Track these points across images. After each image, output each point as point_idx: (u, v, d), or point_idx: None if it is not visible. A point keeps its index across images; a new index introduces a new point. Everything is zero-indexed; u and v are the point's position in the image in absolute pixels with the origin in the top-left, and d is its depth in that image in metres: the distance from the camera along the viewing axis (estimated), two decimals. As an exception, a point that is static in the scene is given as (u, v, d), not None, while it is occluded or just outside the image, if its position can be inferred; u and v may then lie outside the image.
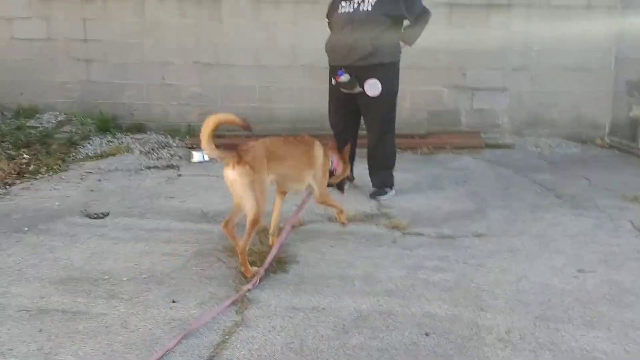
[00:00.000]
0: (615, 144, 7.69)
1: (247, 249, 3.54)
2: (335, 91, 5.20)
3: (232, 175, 3.45)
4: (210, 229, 4.40)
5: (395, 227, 4.45)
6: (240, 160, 3.42)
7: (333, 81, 5.12)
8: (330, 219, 4.64)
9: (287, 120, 8.11)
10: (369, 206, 5.03)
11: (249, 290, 3.33)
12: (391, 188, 5.37)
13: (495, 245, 4.06)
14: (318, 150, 4.07)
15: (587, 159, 7.07)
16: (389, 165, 5.38)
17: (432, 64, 7.96)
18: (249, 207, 3.49)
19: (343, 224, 4.45)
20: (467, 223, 4.56)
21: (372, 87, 5.08)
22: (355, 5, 5.00)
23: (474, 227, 4.44)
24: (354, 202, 5.14)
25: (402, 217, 4.69)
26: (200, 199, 5.25)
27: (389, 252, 3.96)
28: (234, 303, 3.18)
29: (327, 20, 5.29)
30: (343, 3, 5.06)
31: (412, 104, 8.05)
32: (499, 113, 8.10)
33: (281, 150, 3.76)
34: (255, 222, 3.50)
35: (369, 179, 5.43)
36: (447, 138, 7.77)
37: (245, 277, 3.47)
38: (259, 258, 3.76)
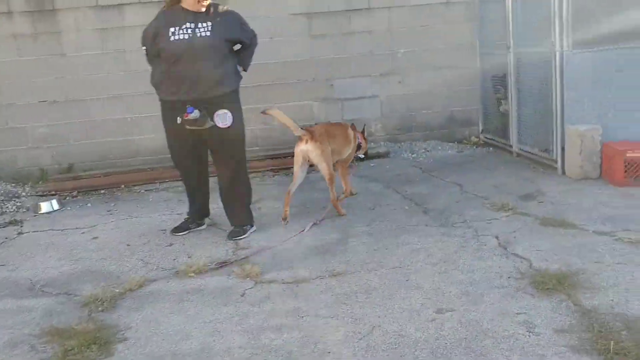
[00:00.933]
0: (489, 141, 7.59)
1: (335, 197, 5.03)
2: (178, 131, 4.64)
3: (307, 148, 4.92)
4: (33, 306, 3.77)
5: (247, 276, 3.99)
6: (313, 137, 4.89)
7: (178, 119, 4.56)
8: (178, 273, 4.12)
9: (151, 152, 7.48)
10: (225, 250, 4.55)
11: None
12: (251, 225, 4.90)
13: (352, 285, 3.68)
14: (351, 131, 5.41)
15: (462, 160, 6.91)
16: (247, 201, 4.92)
17: (298, 77, 7.59)
18: (323, 170, 4.99)
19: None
20: (326, 259, 4.16)
21: (223, 118, 4.62)
22: (190, 32, 4.48)
23: (333, 264, 4.05)
24: (209, 245, 4.66)
25: (258, 261, 4.25)
26: (34, 263, 4.60)
27: (235, 311, 3.49)
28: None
29: (144, 49, 4.70)
30: (172, 29, 4.50)
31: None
32: (371, 121, 7.82)
33: (332, 131, 5.17)
34: (331, 178, 5.03)
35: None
36: (320, 154, 7.37)
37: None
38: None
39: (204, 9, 4.55)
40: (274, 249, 4.48)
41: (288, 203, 5.03)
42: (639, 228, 4.25)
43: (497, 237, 4.28)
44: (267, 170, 7.07)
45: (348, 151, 5.34)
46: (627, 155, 5.29)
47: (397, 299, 3.44)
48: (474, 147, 7.56)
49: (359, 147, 5.56)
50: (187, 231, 4.99)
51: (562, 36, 5.69)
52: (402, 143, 7.85)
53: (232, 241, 4.74)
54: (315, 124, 5.19)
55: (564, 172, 5.86)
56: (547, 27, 5.82)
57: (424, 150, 7.53)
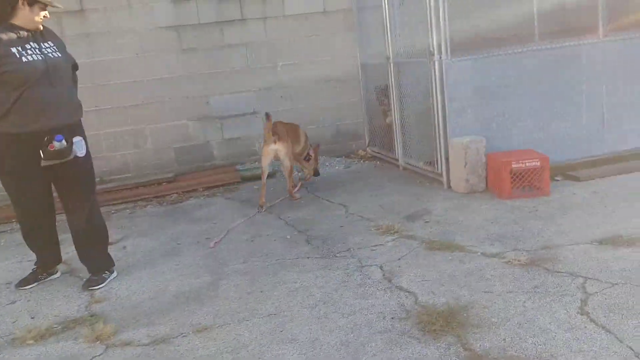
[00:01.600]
0: (376, 154, 7.31)
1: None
2: (28, 169, 3.93)
3: (277, 147, 5.68)
4: None
5: (98, 339, 3.38)
6: (281, 138, 5.67)
7: (42, 155, 3.84)
8: (14, 341, 3.45)
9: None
10: (77, 305, 3.91)
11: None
12: (110, 272, 4.27)
13: (219, 343, 3.16)
14: (301, 131, 6.25)
15: (349, 177, 6.57)
16: (104, 242, 4.29)
17: (171, 96, 7.00)
18: (286, 164, 5.78)
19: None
20: (192, 310, 3.62)
21: (80, 146, 4.05)
22: (39, 52, 3.82)
23: (199, 316, 3.52)
24: (59, 300, 4.00)
25: (114, 316, 3.64)
26: None
27: (75, 390, 2.86)
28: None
29: None
30: (16, 49, 3.79)
31: (155, 144, 7.00)
32: (255, 139, 7.33)
33: (290, 130, 5.92)
34: (290, 171, 5.85)
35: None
36: (199, 177, 6.83)
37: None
38: None
39: (41, 27, 3.90)
40: (135, 299, 3.88)
41: (264, 194, 5.76)
42: (529, 246, 4.01)
43: (381, 268, 3.91)
44: (139, 200, 6.39)
45: (298, 148, 6.09)
46: (513, 166, 5.10)
47: (268, 358, 2.96)
48: (362, 162, 7.26)
49: (308, 158, 6.35)
50: (35, 283, 4.30)
51: (440, 45, 5.46)
52: (288, 160, 7.40)
53: (87, 292, 4.09)
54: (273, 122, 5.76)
55: (450, 187, 5.62)
56: (425, 36, 5.57)
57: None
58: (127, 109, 6.86)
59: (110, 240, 4.58)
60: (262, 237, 4.84)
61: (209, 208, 5.89)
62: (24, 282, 4.28)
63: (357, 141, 7.65)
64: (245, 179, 6.85)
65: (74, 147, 3.94)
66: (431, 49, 5.52)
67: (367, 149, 7.52)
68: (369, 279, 3.78)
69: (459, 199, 5.26)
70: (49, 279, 4.36)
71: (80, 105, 4.10)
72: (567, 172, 5.68)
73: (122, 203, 6.36)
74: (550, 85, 5.72)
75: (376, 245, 4.35)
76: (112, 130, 6.90)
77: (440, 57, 5.48)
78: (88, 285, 4.14)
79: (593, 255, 3.78)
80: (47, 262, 4.34)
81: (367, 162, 7.25)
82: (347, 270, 3.96)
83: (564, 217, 4.56)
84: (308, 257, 4.28)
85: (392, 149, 6.77)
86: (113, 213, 6.07)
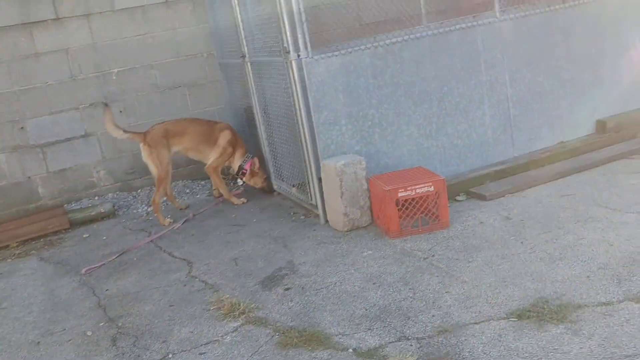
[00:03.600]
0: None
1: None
2: None
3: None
4: None
5: None
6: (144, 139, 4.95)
7: None
8: None
9: None
10: None
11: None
12: None
13: None
14: (221, 133, 5.25)
15: (209, 212, 5.14)
16: None
17: (-32, 123, 5.30)
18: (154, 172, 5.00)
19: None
20: None
21: None
22: None
23: None
24: None
25: None
26: None
27: None
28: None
29: None
30: None
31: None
32: (91, 168, 5.77)
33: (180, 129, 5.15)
34: (159, 179, 4.99)
35: None
36: (12, 229, 5.23)
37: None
38: None
39: None
40: None
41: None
42: (421, 330, 2.80)
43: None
44: None
45: (211, 156, 5.10)
46: (400, 195, 3.83)
47: None
48: (232, 184, 5.83)
49: (243, 172, 5.21)
50: None
51: (296, 39, 4.09)
52: (139, 190, 5.93)
53: None
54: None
55: (327, 221, 4.31)
56: (278, 26, 4.20)
57: (165, 198, 5.62)
58: None
59: None
60: (54, 334, 3.37)
61: (9, 279, 4.37)
62: None
63: (225, 159, 6.19)
64: (78, 223, 5.30)
65: None
66: (285, 45, 4.14)
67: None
68: None
69: (337, 243, 3.96)
70: None
71: None
72: (470, 188, 4.51)
73: None
74: (441, 80, 4.50)
75: (208, 344, 2.97)
76: None
77: (299, 55, 4.13)
78: None
79: (511, 346, 2.54)
80: None
81: (232, 182, 5.84)
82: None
83: (468, 266, 3.35)
84: (107, 372, 2.84)
85: (265, 169, 5.39)
86: None
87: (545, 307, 2.82)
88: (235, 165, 5.17)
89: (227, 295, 3.46)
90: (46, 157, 5.67)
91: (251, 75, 5.13)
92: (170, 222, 4.89)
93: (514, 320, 2.76)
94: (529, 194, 4.30)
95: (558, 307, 2.80)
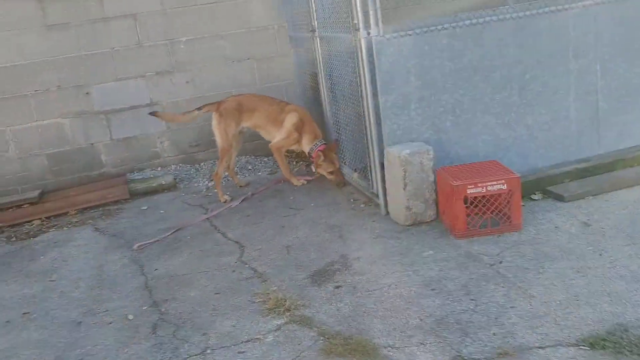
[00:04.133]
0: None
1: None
2: None
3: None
4: None
5: None
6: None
7: None
8: None
9: None
10: None
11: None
12: None
13: None
14: (288, 116, 4.91)
15: (268, 193, 4.95)
16: None
17: (36, 86, 5.33)
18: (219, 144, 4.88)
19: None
20: None
21: None
22: None
23: None
24: None
25: None
26: None
27: None
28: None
29: None
30: None
31: (20, 151, 5.40)
32: (156, 138, 5.70)
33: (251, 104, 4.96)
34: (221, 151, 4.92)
35: None
36: (73, 196, 5.23)
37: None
38: None
39: None
40: None
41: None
42: (479, 350, 2.51)
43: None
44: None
45: (277, 136, 4.84)
46: (469, 192, 3.51)
47: None
48: (295, 163, 5.64)
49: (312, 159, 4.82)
50: None
51: (367, 13, 3.79)
52: (202, 164, 5.83)
53: None
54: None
55: (388, 212, 4.04)
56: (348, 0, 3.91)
57: (226, 174, 5.51)
58: (-27, 107, 5.22)
59: None
60: (97, 314, 3.29)
61: (62, 249, 4.32)
62: None
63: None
64: (138, 194, 5.25)
65: None
66: (355, 21, 3.85)
67: (301, 146, 5.87)
68: None
69: (396, 238, 3.69)
70: None
71: None
72: (548, 186, 4.12)
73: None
74: (524, 66, 4.09)
75: (249, 342, 2.79)
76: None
77: (369, 33, 3.83)
78: None
79: (582, 383, 2.22)
80: None
81: (301, 162, 5.65)
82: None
83: (538, 278, 3.02)
84: (139, 366, 2.72)
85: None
86: None
87: (624, 336, 2.48)
88: (305, 150, 4.90)
89: (275, 288, 3.28)
90: (110, 125, 5.63)
91: (319, 51, 4.88)
92: (227, 200, 4.74)
93: (586, 349, 2.43)
94: (613, 198, 3.89)
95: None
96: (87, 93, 5.51)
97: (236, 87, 5.66)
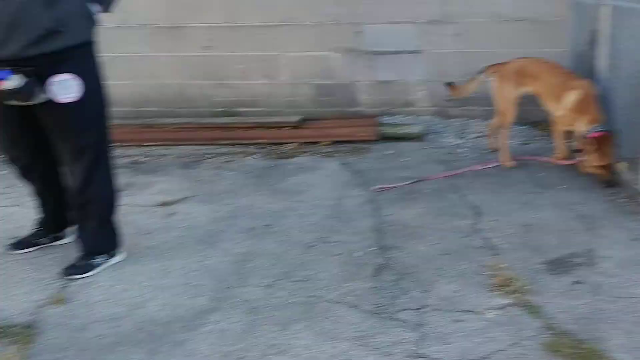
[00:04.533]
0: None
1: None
2: None
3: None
4: None
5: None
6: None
7: None
8: None
9: (127, 102, 5.97)
10: (32, 301, 2.94)
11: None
12: (110, 254, 3.25)
13: None
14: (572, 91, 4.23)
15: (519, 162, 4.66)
16: (105, 216, 3.26)
17: (315, 17, 5.64)
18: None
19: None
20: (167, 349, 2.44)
21: (64, 88, 2.94)
22: None
23: None
24: (24, 284, 3.11)
25: (51, 337, 2.62)
26: None
27: None
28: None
29: None
30: None
31: (290, 77, 5.79)
32: (413, 85, 5.70)
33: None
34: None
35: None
36: (327, 128, 5.49)
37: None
38: None
39: None
40: (92, 314, 2.81)
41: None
42: None
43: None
44: (250, 145, 5.30)
45: (555, 112, 4.36)
46: None
47: None
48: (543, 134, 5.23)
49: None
50: (33, 248, 3.47)
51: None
52: (452, 120, 5.70)
53: (64, 280, 3.12)
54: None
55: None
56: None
57: (477, 135, 5.34)
58: (258, 30, 5.66)
59: (165, 200, 4.05)
60: (327, 243, 3.43)
61: (309, 175, 4.57)
62: (19, 245, 3.47)
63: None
64: (385, 138, 5.33)
65: (50, 87, 2.85)
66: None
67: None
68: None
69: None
70: (52, 244, 3.47)
71: (74, 26, 2.90)
72: None
73: (229, 145, 5.31)
74: None
75: (467, 312, 2.68)
76: (242, 54, 5.78)
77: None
78: (67, 271, 3.16)
79: None
80: (49, 224, 3.45)
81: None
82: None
83: None
84: (352, 306, 2.78)
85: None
86: (207, 158, 5.06)
87: None
88: (578, 132, 4.29)
89: (505, 265, 3.09)
90: (374, 65, 5.72)
91: (605, 21, 4.32)
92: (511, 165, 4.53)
93: None
94: None
95: None
96: (358, 31, 5.63)
97: (505, 48, 5.33)
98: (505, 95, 4.52)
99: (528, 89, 4.52)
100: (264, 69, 5.81)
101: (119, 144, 5.34)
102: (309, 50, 5.73)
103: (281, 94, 5.83)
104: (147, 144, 5.37)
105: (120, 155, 5.10)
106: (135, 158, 5.09)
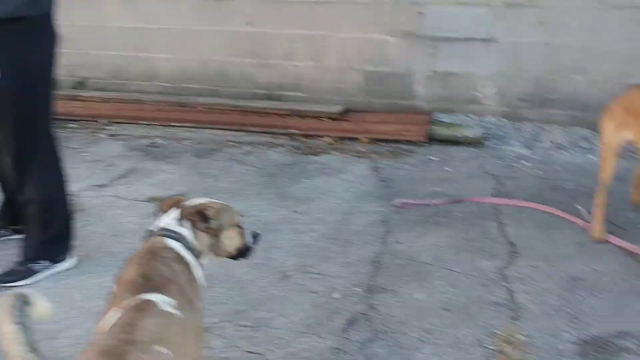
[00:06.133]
0: None
1: None
2: None
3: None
4: None
5: None
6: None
7: None
8: None
9: (168, 77, 5.58)
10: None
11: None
12: (55, 260, 2.78)
13: None
14: None
15: (571, 183, 3.75)
16: (47, 220, 2.77)
17: (367, -5, 4.89)
18: None
19: None
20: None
21: None
22: None
23: None
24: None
25: None
26: None
27: None
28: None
29: None
30: None
31: (341, 61, 5.12)
32: (480, 80, 4.85)
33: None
34: None
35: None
36: (370, 122, 4.79)
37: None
38: None
39: None
40: None
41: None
42: None
43: None
44: (281, 135, 4.72)
45: None
46: None
47: None
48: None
49: None
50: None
51: None
52: (524, 124, 4.80)
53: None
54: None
55: None
56: None
57: (552, 145, 4.45)
58: (302, 5, 5.00)
59: (156, 195, 3.49)
60: (306, 274, 2.77)
61: (328, 179, 3.92)
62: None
63: None
64: (436, 140, 4.55)
65: None
66: None
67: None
68: None
69: None
70: (11, 237, 3.04)
71: None
72: None
73: (259, 133, 4.74)
74: None
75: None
76: (287, 33, 5.16)
77: None
78: (2, 278, 2.71)
79: None
80: (4, 214, 3.03)
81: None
82: None
83: None
84: None
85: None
86: (228, 146, 4.53)
87: None
88: None
89: (523, 335, 2.30)
90: (436, 52, 4.91)
91: None
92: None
93: None
94: None
95: None
96: (420, 12, 4.82)
97: (603, 43, 4.36)
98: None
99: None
100: (310, 50, 5.17)
101: (145, 122, 5.04)
102: (362, 32, 5.01)
103: (327, 80, 5.17)
104: (174, 124, 4.91)
105: (142, 135, 4.74)
106: (154, 140, 4.65)
